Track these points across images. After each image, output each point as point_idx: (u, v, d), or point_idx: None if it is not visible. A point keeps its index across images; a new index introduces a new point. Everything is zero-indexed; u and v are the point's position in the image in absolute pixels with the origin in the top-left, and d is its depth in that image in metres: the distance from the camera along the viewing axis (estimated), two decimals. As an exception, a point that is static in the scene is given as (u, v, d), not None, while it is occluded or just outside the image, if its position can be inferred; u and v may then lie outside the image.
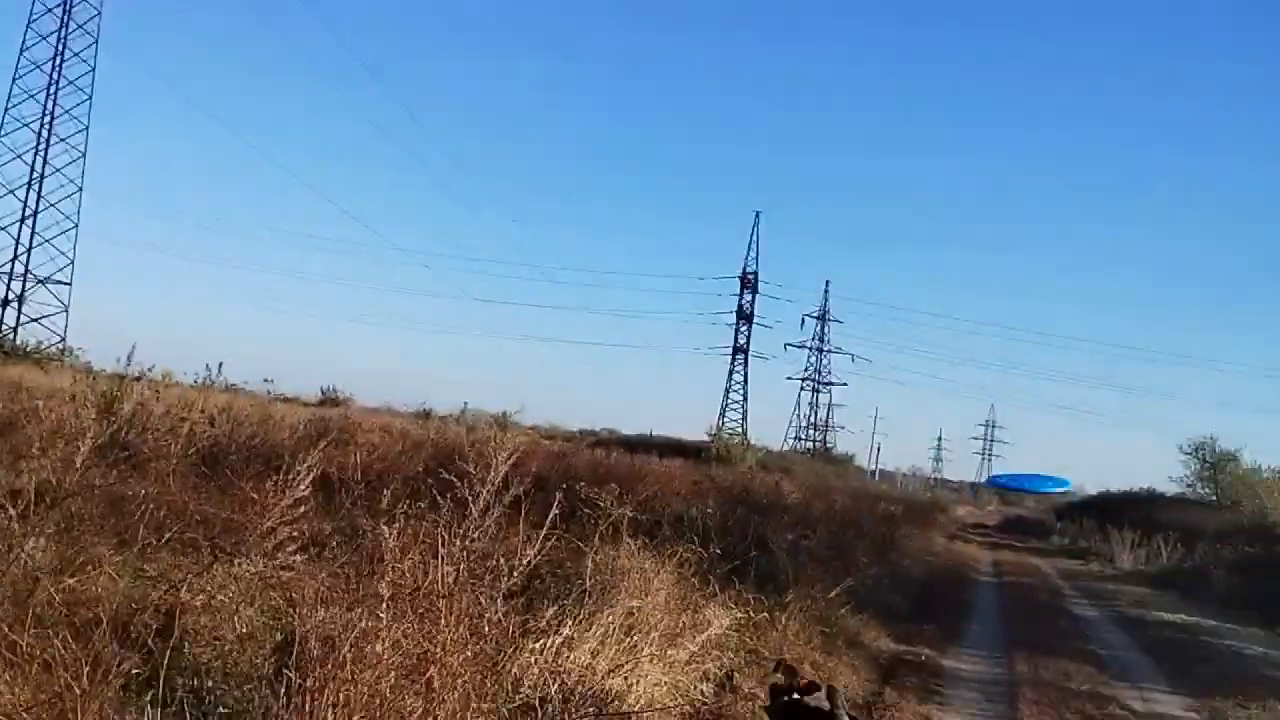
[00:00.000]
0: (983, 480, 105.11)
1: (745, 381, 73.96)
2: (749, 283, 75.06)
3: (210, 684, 4.42)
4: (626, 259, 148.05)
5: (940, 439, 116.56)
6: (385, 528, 4.87)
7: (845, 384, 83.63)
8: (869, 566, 14.35)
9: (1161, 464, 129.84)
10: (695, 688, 6.82)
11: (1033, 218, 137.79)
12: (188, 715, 3.93)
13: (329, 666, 3.73)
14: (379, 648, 3.88)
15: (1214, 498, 44.19)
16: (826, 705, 4.44)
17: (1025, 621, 14.33)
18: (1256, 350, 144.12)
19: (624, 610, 6.59)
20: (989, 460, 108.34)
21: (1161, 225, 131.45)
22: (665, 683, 6.43)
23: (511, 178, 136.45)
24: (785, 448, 74.58)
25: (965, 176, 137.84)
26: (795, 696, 4.60)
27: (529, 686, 5.39)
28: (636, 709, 5.64)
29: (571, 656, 5.95)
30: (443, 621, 4.16)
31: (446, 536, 4.83)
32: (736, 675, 7.33)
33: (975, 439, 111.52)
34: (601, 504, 7.69)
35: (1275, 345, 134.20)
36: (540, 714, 4.88)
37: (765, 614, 9.16)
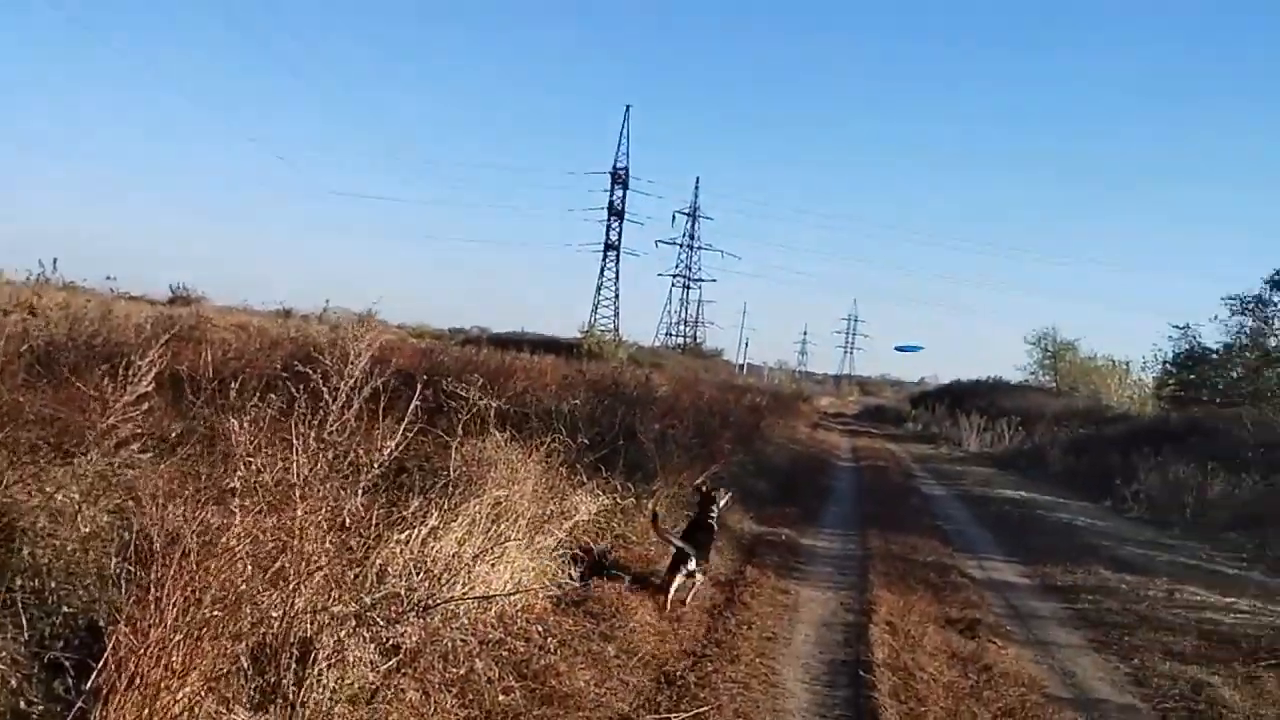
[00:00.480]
0: (845, 372, 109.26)
1: (617, 278, 74.11)
2: (620, 179, 74.58)
3: (53, 584, 4.23)
4: (495, 153, 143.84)
5: (805, 333, 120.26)
6: (235, 421, 4.69)
7: (715, 280, 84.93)
8: (735, 454, 14.82)
9: (1008, 354, 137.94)
10: (563, 572, 6.96)
11: (898, 117, 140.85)
12: (26, 615, 3.76)
13: (175, 561, 3.62)
14: (230, 540, 3.77)
15: (1054, 384, 47.32)
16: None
17: (879, 502, 15.14)
18: (1097, 244, 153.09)
19: (491, 500, 6.60)
20: (851, 353, 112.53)
21: (1010, 125, 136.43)
22: (533, 568, 6.53)
23: (371, 66, 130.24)
24: (657, 344, 75.57)
25: (829, 73, 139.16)
26: None
27: (395, 576, 5.38)
28: (502, 593, 5.71)
29: (438, 546, 5.95)
30: (298, 513, 4.07)
31: (302, 429, 4.69)
32: (604, 560, 7.51)
33: (838, 333, 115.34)
34: (467, 398, 7.61)
35: (1113, 240, 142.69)
36: (405, 601, 4.88)
37: (633, 500, 9.39)
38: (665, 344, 78.23)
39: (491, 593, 5.63)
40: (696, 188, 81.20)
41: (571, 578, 6.97)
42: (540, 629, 5.65)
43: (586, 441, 8.56)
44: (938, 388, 59.97)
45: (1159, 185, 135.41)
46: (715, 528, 7.85)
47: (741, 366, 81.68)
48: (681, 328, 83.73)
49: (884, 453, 26.95)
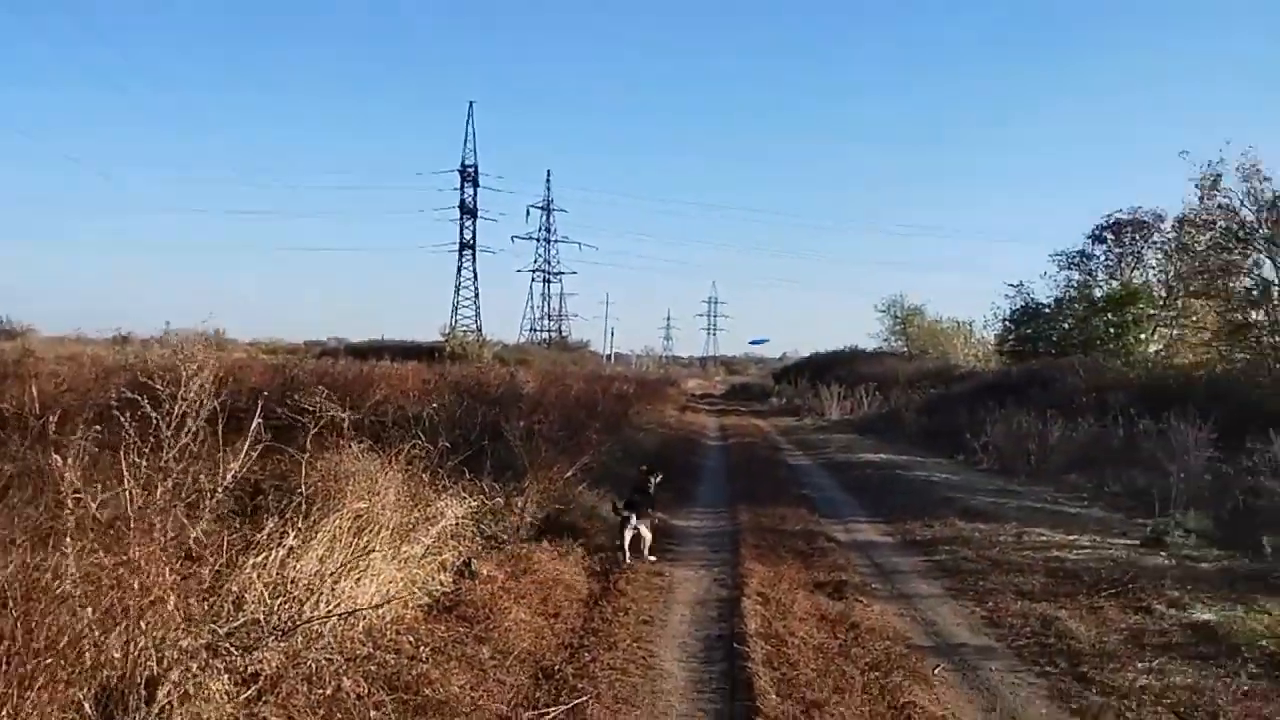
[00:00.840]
0: (710, 353, 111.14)
1: (475, 277, 73.21)
2: (469, 176, 73.76)
3: None
4: (337, 158, 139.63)
5: (669, 318, 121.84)
6: (59, 458, 4.40)
7: (575, 272, 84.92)
8: (604, 444, 14.88)
9: (863, 323, 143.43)
10: (434, 579, 6.84)
11: (743, 104, 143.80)
12: None
13: (9, 612, 3.38)
14: (61, 582, 3.54)
15: (906, 349, 49.38)
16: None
17: (748, 477, 15.49)
18: (935, 214, 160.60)
19: (350, 514, 6.42)
20: (714, 334, 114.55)
21: (838, 99, 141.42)
22: (400, 578, 6.39)
23: (210, 75, 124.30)
24: (522, 340, 75.21)
25: (665, 60, 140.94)
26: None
27: (253, 601, 5.17)
28: (366, 607, 5.57)
29: (297, 566, 5.75)
30: (134, 546, 3.85)
31: (133, 459, 4.44)
32: (475, 561, 7.42)
33: (700, 315, 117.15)
34: (318, 412, 7.36)
35: (952, 209, 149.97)
36: (264, 626, 4.70)
37: (503, 500, 9.30)
38: (531, 340, 77.95)
39: (356, 608, 5.47)
40: (548, 181, 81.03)
41: (443, 583, 6.86)
42: (411, 639, 5.54)
43: (448, 445, 8.41)
44: (798, 361, 61.84)
45: (986, 152, 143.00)
46: (652, 495, 9.96)
47: (609, 356, 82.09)
48: (546, 322, 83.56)
49: (751, 429, 27.58)
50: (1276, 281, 19.60)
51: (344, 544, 6.17)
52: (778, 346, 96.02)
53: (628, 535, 8.73)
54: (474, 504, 8.04)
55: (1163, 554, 9.33)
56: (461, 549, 7.51)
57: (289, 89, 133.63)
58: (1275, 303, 19.70)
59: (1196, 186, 23.88)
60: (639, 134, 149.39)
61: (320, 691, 4.46)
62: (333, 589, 5.66)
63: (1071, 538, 10.13)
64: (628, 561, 8.57)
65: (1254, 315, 20.03)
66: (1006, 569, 8.68)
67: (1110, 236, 33.49)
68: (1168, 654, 6.29)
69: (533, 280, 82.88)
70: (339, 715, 4.36)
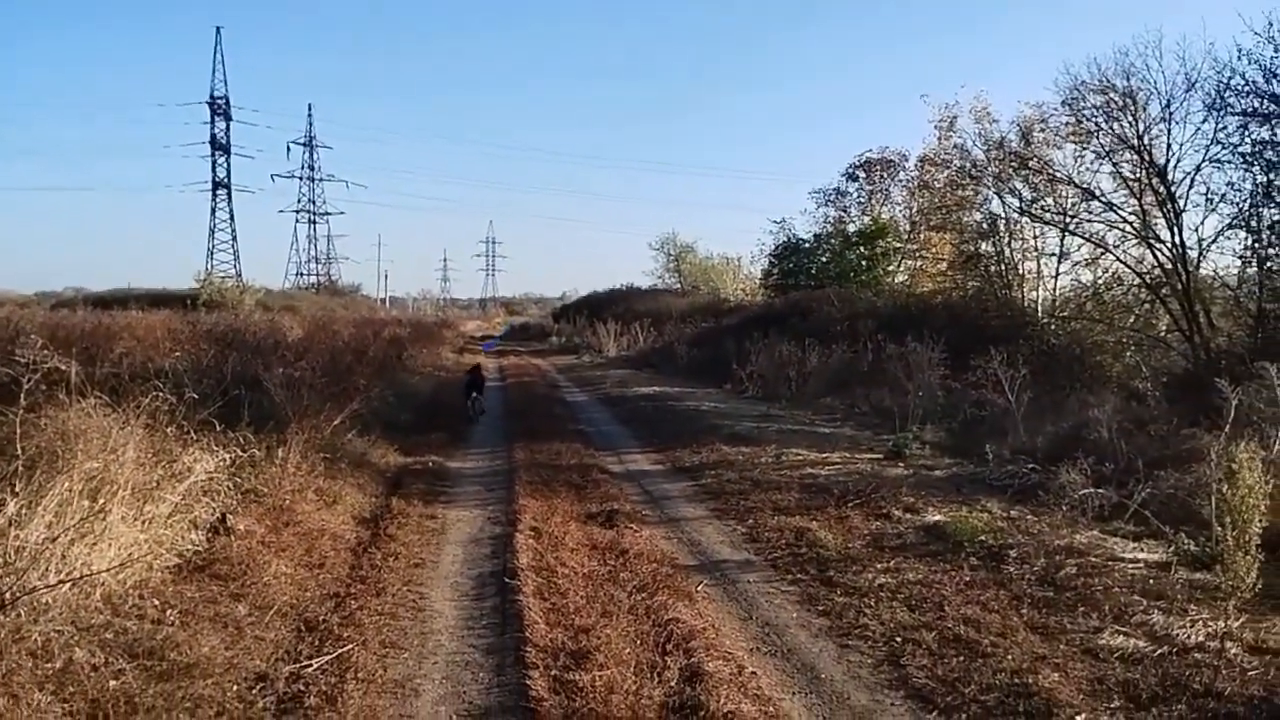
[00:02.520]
0: (489, 295, 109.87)
1: (231, 219, 68.15)
2: (220, 109, 68.11)
3: None
4: (60, 86, 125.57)
5: (446, 260, 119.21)
6: None
7: (343, 213, 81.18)
8: (376, 390, 14.44)
9: (639, 261, 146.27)
10: (184, 538, 6.42)
11: (516, 34, 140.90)
12: None
13: None
14: None
15: (679, 285, 50.77)
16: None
17: (525, 416, 15.52)
18: (705, 154, 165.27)
19: (83, 474, 5.90)
20: (493, 275, 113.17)
21: (623, 43, 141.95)
22: (144, 539, 5.95)
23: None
24: (288, 286, 71.12)
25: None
26: None
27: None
28: (105, 570, 5.16)
29: (22, 535, 5.25)
30: None
31: None
32: (231, 517, 7.02)
33: (478, 256, 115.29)
34: (36, 366, 6.67)
35: (717, 149, 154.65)
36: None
37: (263, 452, 8.83)
38: (298, 285, 73.82)
39: (89, 574, 5.06)
40: (310, 116, 76.16)
41: (194, 542, 6.45)
42: (157, 602, 5.19)
43: (195, 397, 7.86)
44: (577, 300, 62.19)
45: (751, 91, 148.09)
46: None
47: (383, 300, 79.30)
48: (314, 266, 79.21)
49: (530, 368, 27.61)
50: (1003, 215, 21.57)
51: (76, 507, 5.69)
52: (558, 284, 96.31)
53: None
54: (228, 457, 7.57)
55: (902, 465, 10.21)
56: (216, 505, 7.08)
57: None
58: (1001, 235, 21.69)
59: (935, 128, 25.76)
60: (407, 70, 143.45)
61: (49, 666, 4.10)
62: (63, 556, 5.21)
63: (824, 455, 10.88)
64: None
65: (983, 246, 21.92)
66: (766, 488, 9.21)
67: (862, 174, 35.57)
68: (903, 554, 6.92)
69: (297, 221, 78.32)
70: (73, 689, 4.03)
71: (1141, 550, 6.80)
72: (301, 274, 76.89)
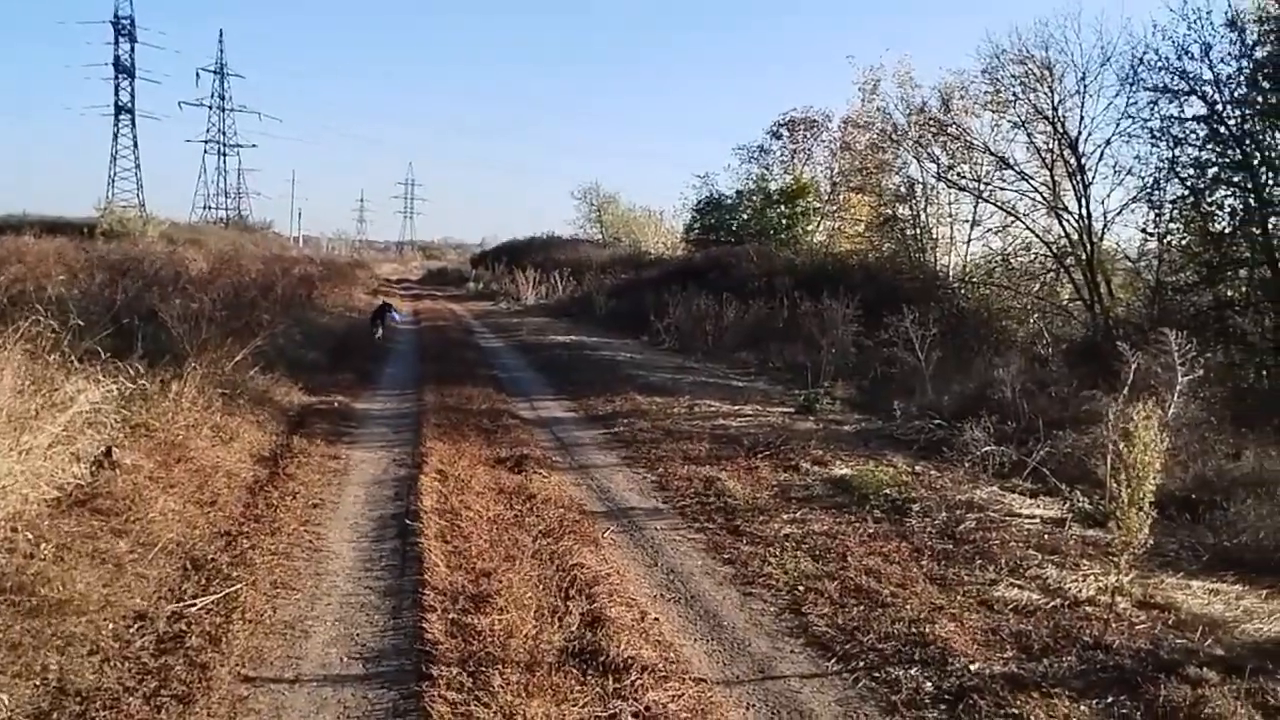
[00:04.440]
0: (406, 238, 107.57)
1: (135, 145, 64.90)
2: (124, 30, 64.50)
3: None
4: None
5: (362, 200, 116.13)
6: None
7: (255, 145, 78.16)
8: (282, 327, 13.96)
9: (561, 211, 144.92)
10: (64, 470, 6.09)
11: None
12: None
13: None
14: None
15: (600, 236, 50.37)
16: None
17: (438, 360, 15.19)
18: (631, 103, 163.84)
19: (-47, 401, 5.53)
20: (411, 218, 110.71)
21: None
22: (21, 471, 5.62)
23: None
24: (195, 219, 68.25)
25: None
26: None
27: None
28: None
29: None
30: None
31: None
32: (117, 450, 6.68)
33: (396, 198, 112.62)
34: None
35: (644, 98, 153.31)
36: None
37: (157, 385, 8.43)
38: (205, 219, 70.91)
39: (-43, 506, 4.73)
40: (221, 41, 73.04)
41: (76, 475, 6.12)
42: (30, 536, 4.89)
43: (81, 324, 7.43)
44: (496, 247, 61.26)
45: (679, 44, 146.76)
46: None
47: (296, 239, 76.76)
48: (223, 200, 76.13)
49: (445, 313, 27.10)
50: (921, 180, 21.85)
51: (-56, 436, 5.33)
52: (479, 230, 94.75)
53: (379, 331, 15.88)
54: (116, 388, 7.19)
55: (812, 419, 10.30)
56: (101, 437, 6.73)
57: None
58: (918, 200, 22.00)
59: (859, 90, 25.82)
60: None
61: (-97, 602, 3.82)
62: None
63: (737, 408, 10.90)
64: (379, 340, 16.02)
65: (900, 210, 22.18)
66: (677, 437, 9.18)
67: (785, 133, 35.57)
68: (809, 505, 6.96)
69: (205, 152, 75.02)
70: (-71, 625, 3.76)
71: (1038, 507, 6.97)
72: (209, 207, 73.85)
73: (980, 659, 4.33)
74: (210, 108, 72.49)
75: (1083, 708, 3.90)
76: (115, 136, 63.78)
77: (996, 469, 7.77)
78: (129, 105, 64.28)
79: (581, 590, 4.91)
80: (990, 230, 19.11)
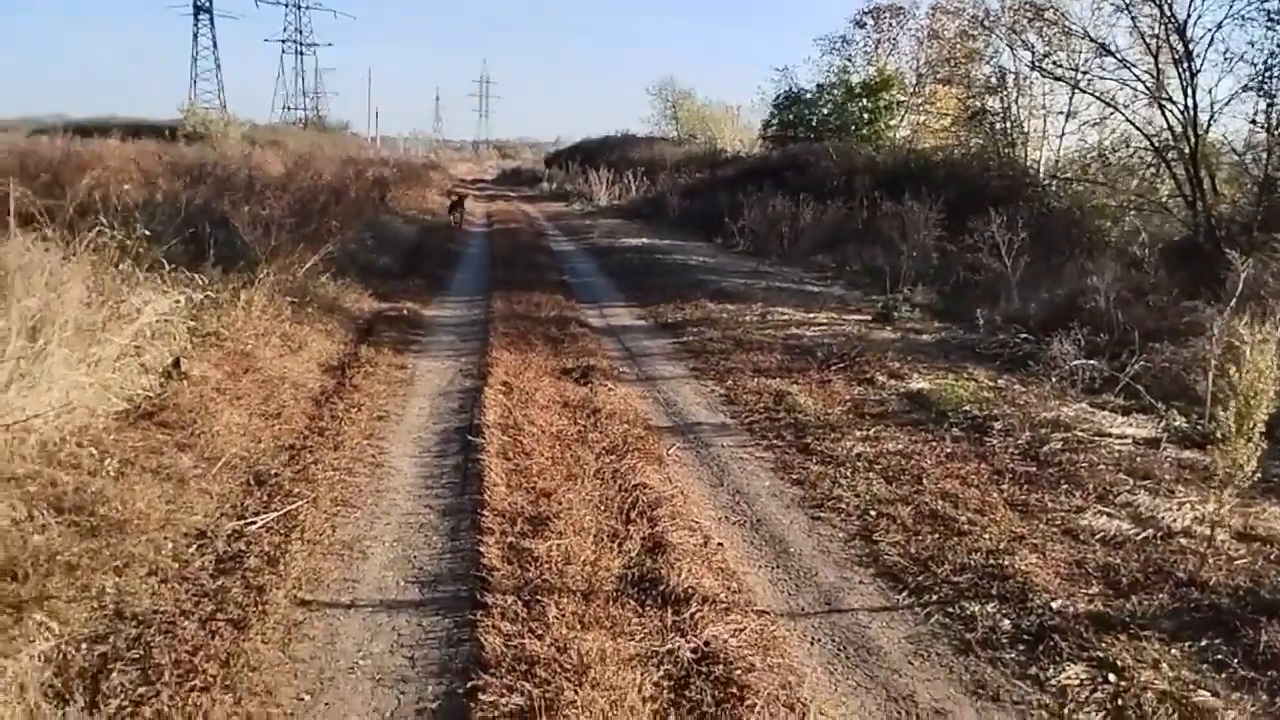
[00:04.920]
0: (481, 138, 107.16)
1: (214, 45, 65.18)
2: (200, -78, 64.20)
3: None
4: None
5: (438, 99, 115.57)
6: None
7: (331, 44, 77.90)
8: (353, 232, 13.95)
9: (635, 108, 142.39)
10: (133, 382, 6.13)
11: None
12: None
13: None
14: None
15: (676, 133, 49.23)
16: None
17: (508, 265, 15.06)
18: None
19: (21, 313, 5.55)
20: (486, 117, 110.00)
21: None
22: (89, 383, 5.66)
23: None
24: (274, 120, 68.73)
25: None
26: None
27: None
28: (45, 415, 4.88)
29: (-50, 377, 4.94)
30: None
31: None
32: (186, 361, 6.71)
33: (472, 96, 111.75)
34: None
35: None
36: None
37: (229, 293, 8.45)
38: (284, 119, 71.39)
39: (26, 418, 4.77)
40: (296, -66, 71.96)
41: (145, 387, 6.16)
42: (94, 451, 4.91)
43: (148, 234, 7.41)
44: (570, 146, 60.51)
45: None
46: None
47: (373, 139, 76.95)
48: (302, 100, 76.41)
49: (518, 214, 26.91)
50: (1013, 70, 20.59)
51: (14, 348, 5.36)
52: (553, 128, 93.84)
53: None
54: (182, 298, 7.19)
55: (890, 328, 9.90)
56: (171, 348, 6.76)
57: None
58: (1010, 91, 20.78)
59: (949, -29, 24.29)
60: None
61: (-34, 520, 3.85)
62: (-3, 400, 4.92)
63: (811, 315, 10.54)
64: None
65: (990, 102, 21.01)
66: (748, 348, 8.91)
67: (870, 21, 33.86)
68: (884, 422, 6.67)
69: (283, 51, 75.55)
70: (-8, 544, 3.79)
71: (1131, 426, 6.56)
72: (289, 108, 74.18)
73: (1063, 595, 4.07)
74: (286, 5, 72.27)
75: (1174, 651, 3.63)
76: (195, 37, 64.00)
77: (1086, 384, 7.34)
78: (207, 4, 64.31)
79: (643, 513, 4.76)
80: (1086, 123, 17.90)
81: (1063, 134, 18.42)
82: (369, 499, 5.05)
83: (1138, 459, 5.83)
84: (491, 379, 7.43)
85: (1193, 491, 5.22)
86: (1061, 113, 18.39)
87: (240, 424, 5.86)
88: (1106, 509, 5.06)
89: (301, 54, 75.60)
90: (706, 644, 3.55)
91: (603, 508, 4.85)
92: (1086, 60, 16.83)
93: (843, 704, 3.35)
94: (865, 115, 31.49)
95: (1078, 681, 3.46)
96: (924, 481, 5.47)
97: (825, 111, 33.56)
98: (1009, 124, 20.17)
